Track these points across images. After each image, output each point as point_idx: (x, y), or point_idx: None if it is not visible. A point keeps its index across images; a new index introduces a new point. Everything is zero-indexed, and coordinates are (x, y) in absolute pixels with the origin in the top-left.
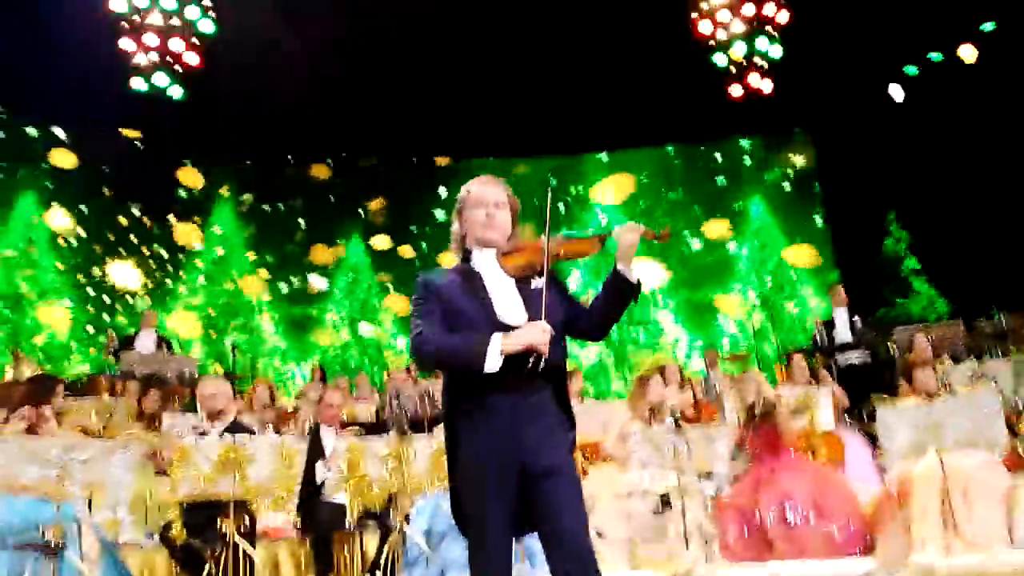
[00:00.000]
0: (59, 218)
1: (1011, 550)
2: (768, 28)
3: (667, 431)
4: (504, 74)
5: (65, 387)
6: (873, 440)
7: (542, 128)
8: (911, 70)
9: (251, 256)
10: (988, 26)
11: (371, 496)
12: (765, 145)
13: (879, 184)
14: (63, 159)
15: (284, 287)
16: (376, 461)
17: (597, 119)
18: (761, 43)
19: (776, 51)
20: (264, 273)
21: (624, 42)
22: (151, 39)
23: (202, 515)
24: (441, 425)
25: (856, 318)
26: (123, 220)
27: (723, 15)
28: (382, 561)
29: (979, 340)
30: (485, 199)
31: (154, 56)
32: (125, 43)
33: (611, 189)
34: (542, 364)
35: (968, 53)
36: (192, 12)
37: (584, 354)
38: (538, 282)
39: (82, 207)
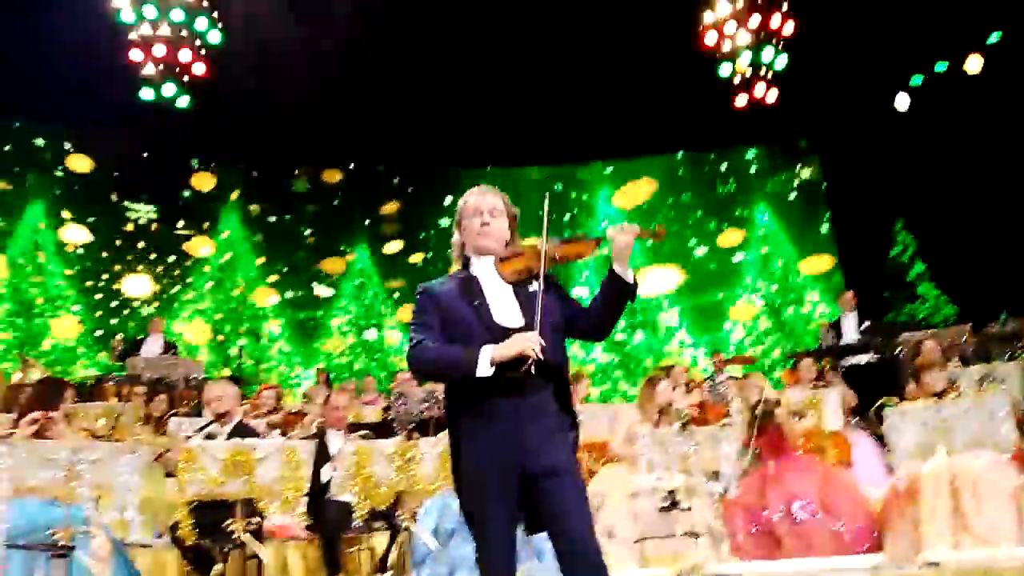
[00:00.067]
0: (68, 227)
1: (1020, 546)
2: (774, 39)
3: (675, 433)
4: (514, 85)
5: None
6: (881, 441)
7: (551, 137)
8: (916, 80)
9: (259, 262)
10: (994, 37)
11: (378, 495)
12: (770, 155)
13: (885, 192)
14: (79, 164)
15: (291, 293)
16: (383, 460)
17: (604, 129)
18: (767, 54)
19: (782, 62)
20: (271, 279)
21: (632, 53)
22: (159, 50)
23: (211, 515)
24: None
25: (864, 323)
26: (131, 227)
27: (729, 27)
28: (391, 560)
29: (987, 344)
30: (481, 208)
31: (162, 67)
32: (135, 54)
33: (622, 197)
34: (532, 368)
35: (973, 64)
36: (201, 23)
37: (593, 355)
38: (535, 286)
39: (90, 216)
